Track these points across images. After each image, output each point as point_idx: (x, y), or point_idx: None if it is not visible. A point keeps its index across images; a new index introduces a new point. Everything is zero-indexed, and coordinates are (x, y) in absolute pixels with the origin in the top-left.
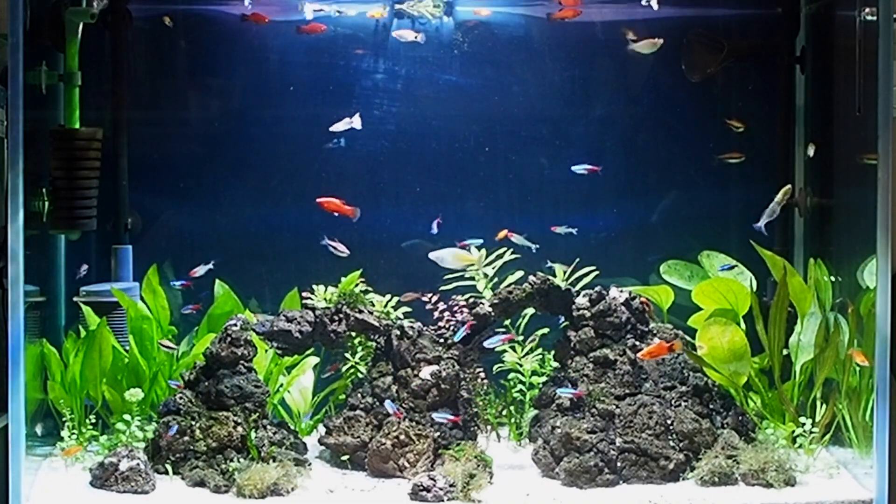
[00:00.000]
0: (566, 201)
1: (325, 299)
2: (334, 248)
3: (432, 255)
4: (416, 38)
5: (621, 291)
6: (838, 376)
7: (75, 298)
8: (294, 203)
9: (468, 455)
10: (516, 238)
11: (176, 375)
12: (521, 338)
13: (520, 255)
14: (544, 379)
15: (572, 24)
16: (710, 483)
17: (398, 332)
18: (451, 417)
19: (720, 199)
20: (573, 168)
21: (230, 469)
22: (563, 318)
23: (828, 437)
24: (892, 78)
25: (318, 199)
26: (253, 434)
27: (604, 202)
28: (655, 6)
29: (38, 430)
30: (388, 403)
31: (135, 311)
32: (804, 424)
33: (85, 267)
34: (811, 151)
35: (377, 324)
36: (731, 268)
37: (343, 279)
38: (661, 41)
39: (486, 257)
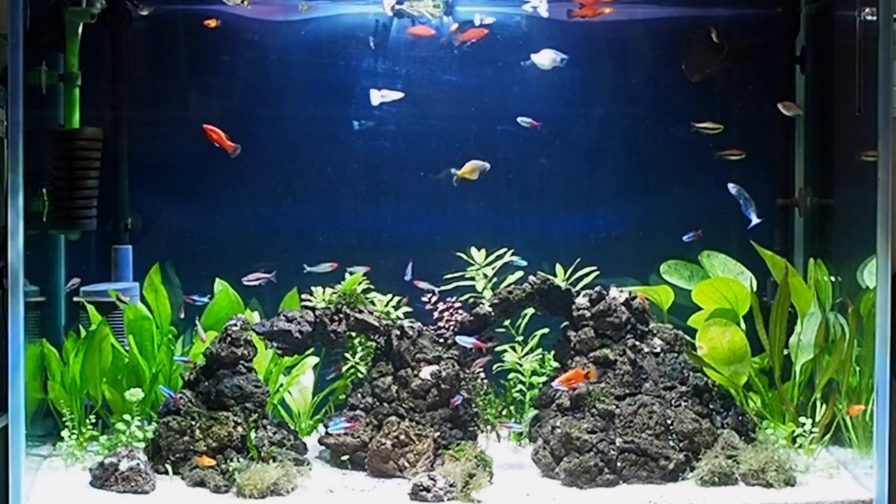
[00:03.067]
0: (566, 201)
1: (324, 300)
2: (258, 279)
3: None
4: (242, 3)
5: (621, 291)
6: (838, 376)
7: (75, 298)
8: (294, 203)
9: (468, 455)
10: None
11: (176, 376)
12: (520, 338)
13: (520, 256)
14: (544, 379)
15: (571, 24)
16: (710, 483)
17: (398, 332)
18: (477, 343)
19: (720, 199)
20: (518, 119)
21: (230, 469)
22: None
23: (828, 437)
24: (892, 78)
25: (205, 125)
26: (253, 434)
27: (604, 202)
28: (545, 13)
29: (46, 450)
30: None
31: (134, 311)
32: (804, 424)
33: (76, 280)
34: (785, 110)
35: (377, 324)
36: (693, 237)
37: (347, 276)
38: (566, 57)
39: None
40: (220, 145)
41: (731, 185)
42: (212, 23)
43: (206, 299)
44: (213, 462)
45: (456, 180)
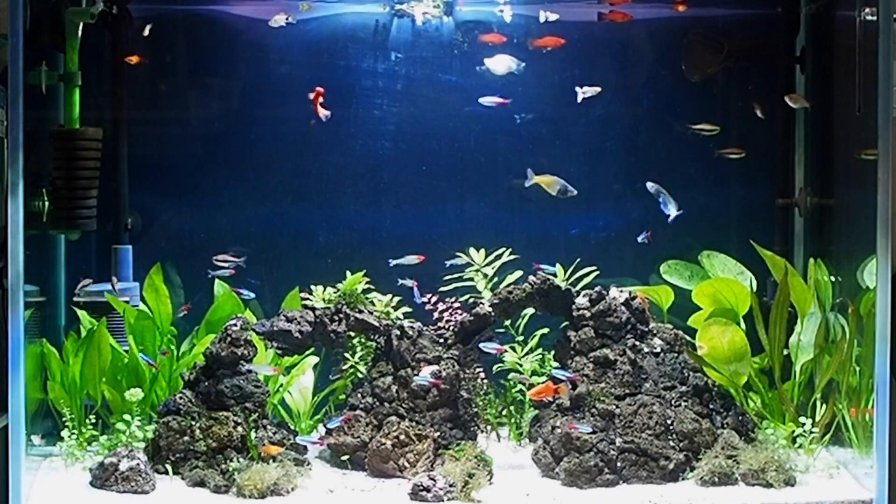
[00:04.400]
0: (566, 201)
1: (323, 300)
2: (223, 262)
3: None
4: (287, 19)
5: (621, 291)
6: (838, 376)
7: (75, 298)
8: (294, 203)
9: (468, 455)
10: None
11: (176, 375)
12: (520, 338)
13: (519, 256)
14: (544, 379)
15: (571, 25)
16: (710, 483)
17: (398, 332)
18: (499, 348)
19: (720, 200)
20: (480, 100)
21: (230, 469)
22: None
23: (828, 437)
24: (892, 78)
25: (318, 88)
26: (253, 434)
27: (604, 202)
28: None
29: (37, 440)
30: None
31: (131, 314)
32: (804, 424)
33: (88, 280)
34: (792, 103)
35: (377, 324)
36: (645, 238)
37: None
38: (522, 63)
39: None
40: (314, 108)
41: (649, 184)
42: (133, 59)
43: (252, 294)
44: (281, 449)
45: (529, 183)
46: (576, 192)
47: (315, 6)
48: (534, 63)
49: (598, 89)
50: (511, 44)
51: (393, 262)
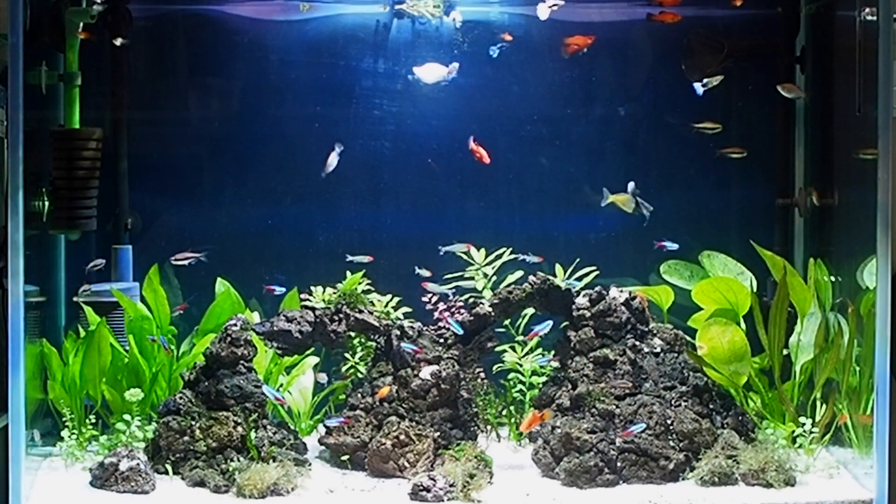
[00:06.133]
0: (566, 201)
1: (323, 300)
2: (187, 258)
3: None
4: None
5: (621, 291)
6: (838, 376)
7: (75, 298)
8: (294, 203)
9: (468, 455)
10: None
11: (176, 375)
12: (520, 338)
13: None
14: (544, 379)
15: (571, 25)
16: (710, 483)
17: (398, 332)
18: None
19: (720, 200)
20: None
21: (230, 469)
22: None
23: (828, 437)
24: (892, 78)
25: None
26: (253, 434)
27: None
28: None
29: (36, 436)
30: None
31: (134, 311)
32: (804, 424)
33: (100, 261)
34: (786, 92)
35: (377, 324)
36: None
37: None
38: (453, 71)
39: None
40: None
41: (630, 184)
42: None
43: (284, 289)
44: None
45: (605, 202)
46: (652, 209)
47: (315, 6)
48: (534, 62)
49: (721, 77)
50: (511, 44)
51: (443, 250)
